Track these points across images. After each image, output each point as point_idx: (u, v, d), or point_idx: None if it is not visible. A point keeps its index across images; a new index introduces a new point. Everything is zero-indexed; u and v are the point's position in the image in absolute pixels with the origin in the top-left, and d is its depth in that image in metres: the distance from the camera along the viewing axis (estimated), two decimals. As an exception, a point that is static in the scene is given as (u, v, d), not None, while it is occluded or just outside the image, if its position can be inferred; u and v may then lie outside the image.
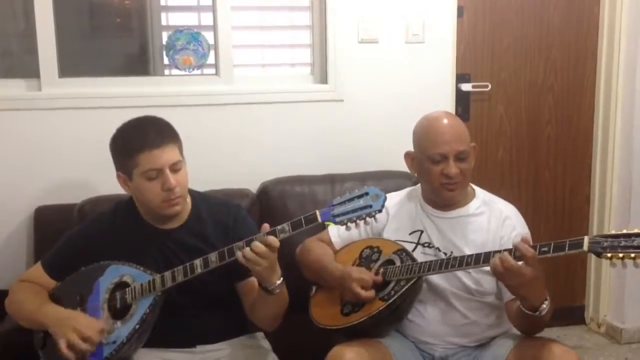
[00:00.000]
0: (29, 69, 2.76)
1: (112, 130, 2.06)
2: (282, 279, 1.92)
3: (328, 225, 2.23)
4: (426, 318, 2.09)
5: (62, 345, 1.85)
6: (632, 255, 1.66)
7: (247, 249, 1.82)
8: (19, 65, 2.89)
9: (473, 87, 3.23)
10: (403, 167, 2.26)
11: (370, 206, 1.79)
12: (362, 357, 1.91)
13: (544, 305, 1.84)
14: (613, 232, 1.72)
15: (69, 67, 2.81)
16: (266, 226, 1.86)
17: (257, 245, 1.82)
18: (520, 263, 1.77)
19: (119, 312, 1.93)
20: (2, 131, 2.68)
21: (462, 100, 3.22)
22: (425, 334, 2.09)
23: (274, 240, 1.82)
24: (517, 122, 3.35)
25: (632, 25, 3.20)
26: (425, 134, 2.12)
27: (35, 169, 2.72)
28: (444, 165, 2.04)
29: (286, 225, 1.84)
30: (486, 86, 3.25)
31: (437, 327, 2.08)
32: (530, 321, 1.90)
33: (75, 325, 1.87)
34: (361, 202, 1.80)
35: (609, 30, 3.27)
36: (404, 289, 1.96)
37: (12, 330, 2.13)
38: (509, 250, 1.81)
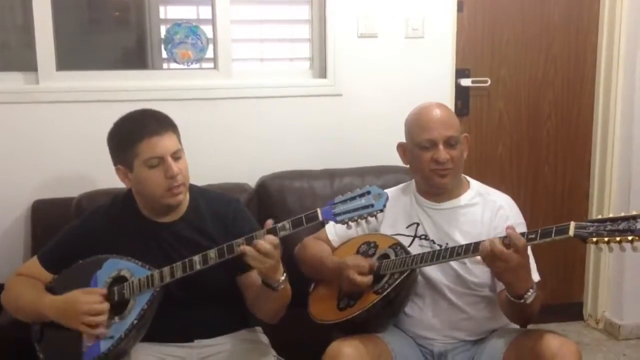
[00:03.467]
0: (26, 63, 2.75)
1: (110, 124, 2.04)
2: (285, 274, 1.91)
3: (327, 223, 2.23)
4: (424, 312, 2.09)
5: (84, 330, 1.86)
6: (618, 238, 1.66)
7: (251, 247, 1.80)
8: (16, 59, 2.87)
9: (473, 82, 3.22)
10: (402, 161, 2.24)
11: (372, 205, 1.77)
12: (360, 352, 1.91)
13: (529, 294, 1.85)
14: (599, 217, 1.73)
15: (67, 60, 2.80)
16: (269, 223, 1.85)
17: (263, 244, 1.80)
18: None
19: (116, 306, 1.92)
20: (-1, 125, 2.68)
21: (462, 95, 3.21)
22: (424, 328, 2.10)
23: (273, 239, 1.81)
24: (516, 117, 3.34)
25: (632, 21, 3.19)
26: (414, 121, 2.14)
27: (33, 163, 2.71)
28: (433, 151, 2.06)
29: (287, 223, 1.82)
30: (486, 81, 3.24)
31: (434, 322, 2.09)
32: (517, 309, 1.91)
33: (81, 308, 1.87)
34: (363, 201, 1.78)
35: (609, 26, 3.26)
36: (397, 282, 1.97)
37: (9, 323, 2.12)
38: (500, 238, 1.82)
